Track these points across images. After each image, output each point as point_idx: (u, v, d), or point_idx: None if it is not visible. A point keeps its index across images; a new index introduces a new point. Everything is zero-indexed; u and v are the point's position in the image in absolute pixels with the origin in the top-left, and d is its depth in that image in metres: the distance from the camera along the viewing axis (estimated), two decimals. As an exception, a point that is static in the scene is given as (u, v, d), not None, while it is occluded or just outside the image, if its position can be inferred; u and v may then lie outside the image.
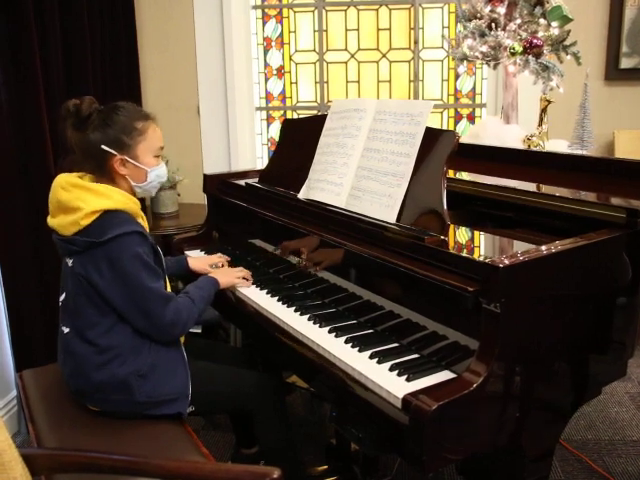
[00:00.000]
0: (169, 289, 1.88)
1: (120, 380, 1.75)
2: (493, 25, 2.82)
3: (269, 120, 4.19)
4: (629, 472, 2.46)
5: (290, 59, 4.09)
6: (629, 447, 2.63)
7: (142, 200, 3.67)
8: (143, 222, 1.87)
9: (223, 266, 2.27)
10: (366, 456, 2.13)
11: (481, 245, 1.73)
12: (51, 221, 1.80)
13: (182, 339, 1.91)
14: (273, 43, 4.08)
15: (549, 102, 2.71)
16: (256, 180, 2.44)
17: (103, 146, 1.77)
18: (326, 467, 2.24)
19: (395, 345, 1.61)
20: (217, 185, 2.62)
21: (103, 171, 1.81)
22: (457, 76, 3.94)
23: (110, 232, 1.69)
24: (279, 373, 2.58)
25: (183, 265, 2.23)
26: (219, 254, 2.35)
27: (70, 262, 1.79)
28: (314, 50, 4.04)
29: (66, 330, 1.82)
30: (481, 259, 1.43)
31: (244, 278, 2.10)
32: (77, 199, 1.72)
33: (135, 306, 1.74)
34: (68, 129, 1.81)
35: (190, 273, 2.23)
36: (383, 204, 1.76)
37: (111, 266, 1.71)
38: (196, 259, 2.29)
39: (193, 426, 1.94)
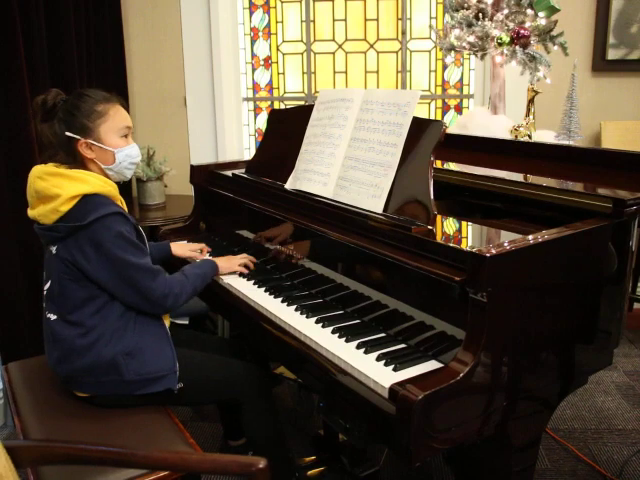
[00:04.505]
0: None
1: (107, 360, 1.77)
2: (480, 15, 2.82)
3: (256, 111, 4.17)
4: (614, 460, 2.48)
5: (277, 49, 4.06)
6: (614, 435, 2.65)
7: (129, 191, 3.67)
8: (122, 206, 1.88)
9: (202, 252, 2.32)
10: (354, 447, 2.13)
11: (468, 235, 1.73)
12: (31, 212, 1.82)
13: (167, 323, 1.92)
14: (260, 33, 4.05)
15: (536, 93, 2.71)
16: (243, 171, 2.43)
17: (67, 133, 1.80)
18: (314, 458, 2.24)
19: (382, 335, 1.61)
20: (204, 176, 2.61)
21: (74, 158, 1.83)
22: (445, 67, 3.92)
23: (91, 215, 1.71)
24: (267, 364, 2.58)
25: (166, 250, 2.28)
26: (203, 244, 2.36)
27: (54, 249, 1.79)
28: (301, 40, 4.02)
29: (53, 317, 1.83)
30: (468, 249, 1.43)
31: (246, 266, 2.13)
32: (54, 187, 1.74)
33: (124, 284, 1.77)
34: (38, 123, 1.85)
35: (172, 259, 2.28)
36: (370, 194, 1.75)
37: (96, 248, 1.73)
38: (179, 245, 2.34)
39: (181, 417, 1.94)
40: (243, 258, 2.14)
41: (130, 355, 1.79)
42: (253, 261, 2.15)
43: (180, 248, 2.31)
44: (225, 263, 2.09)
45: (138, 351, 1.80)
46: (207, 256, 2.30)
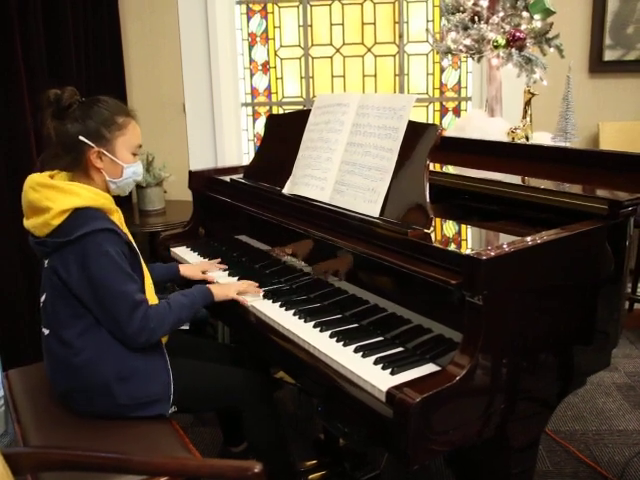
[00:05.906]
0: (152, 289, 1.87)
1: (100, 384, 1.74)
2: (476, 18, 2.83)
3: (255, 116, 4.18)
4: (615, 461, 2.48)
5: (275, 54, 4.08)
6: (615, 437, 2.65)
7: (128, 197, 3.68)
8: (119, 217, 1.84)
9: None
10: (354, 450, 2.14)
11: (465, 238, 1.73)
12: (26, 223, 1.78)
13: (164, 339, 1.88)
14: (258, 39, 4.07)
15: (533, 95, 2.72)
16: (241, 176, 2.44)
17: (81, 137, 1.75)
18: (315, 462, 2.24)
19: (380, 339, 1.61)
20: (202, 182, 2.61)
21: (79, 163, 1.78)
22: (442, 70, 3.93)
23: (80, 230, 1.66)
24: (267, 369, 2.58)
25: (172, 272, 2.20)
26: (215, 261, 2.28)
27: (46, 263, 1.77)
28: (299, 45, 4.03)
29: (46, 332, 1.81)
30: (464, 252, 1.44)
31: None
32: (46, 199, 1.70)
33: (100, 307, 1.71)
34: (47, 118, 1.79)
35: (181, 280, 2.21)
36: (366, 198, 1.76)
37: (79, 264, 1.68)
38: (189, 266, 2.25)
39: (182, 423, 1.94)
40: (242, 285, 1.99)
41: (124, 379, 1.74)
42: (255, 287, 1.98)
43: (190, 269, 2.20)
44: (220, 290, 1.94)
45: (132, 374, 1.75)
46: (222, 272, 2.20)
